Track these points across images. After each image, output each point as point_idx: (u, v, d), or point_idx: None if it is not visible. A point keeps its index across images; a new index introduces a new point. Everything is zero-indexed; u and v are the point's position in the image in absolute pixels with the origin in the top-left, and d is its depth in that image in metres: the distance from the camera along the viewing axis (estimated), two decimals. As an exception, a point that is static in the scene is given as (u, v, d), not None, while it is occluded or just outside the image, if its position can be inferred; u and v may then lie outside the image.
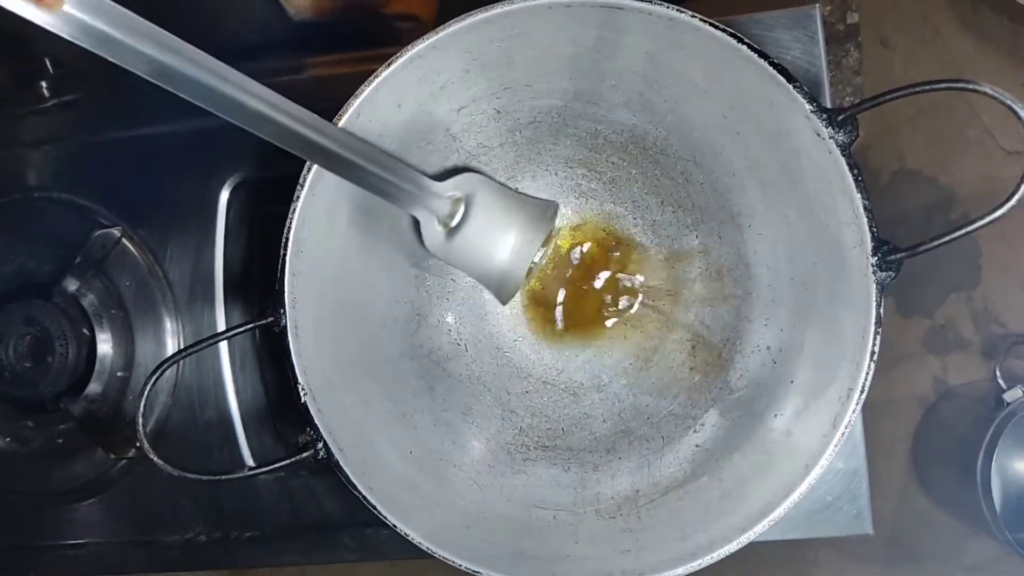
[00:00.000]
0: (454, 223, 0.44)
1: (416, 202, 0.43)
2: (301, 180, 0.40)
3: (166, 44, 0.32)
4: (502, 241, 0.46)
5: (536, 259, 0.48)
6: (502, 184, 0.47)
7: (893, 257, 0.38)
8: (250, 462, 0.51)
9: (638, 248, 0.49)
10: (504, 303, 0.48)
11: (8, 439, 0.53)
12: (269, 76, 0.53)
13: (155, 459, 0.39)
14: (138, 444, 0.51)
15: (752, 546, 0.40)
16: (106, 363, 0.52)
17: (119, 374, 0.52)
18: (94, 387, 0.51)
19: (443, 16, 0.61)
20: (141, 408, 0.39)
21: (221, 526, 0.52)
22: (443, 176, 0.45)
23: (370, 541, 0.51)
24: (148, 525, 0.52)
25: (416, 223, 0.44)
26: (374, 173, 0.40)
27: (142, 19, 0.31)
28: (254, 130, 0.36)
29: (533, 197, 0.48)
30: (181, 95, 0.34)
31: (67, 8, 0.29)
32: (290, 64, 0.54)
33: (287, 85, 0.52)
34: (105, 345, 0.52)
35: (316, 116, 0.37)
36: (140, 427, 0.39)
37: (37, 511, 0.54)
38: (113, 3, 0.30)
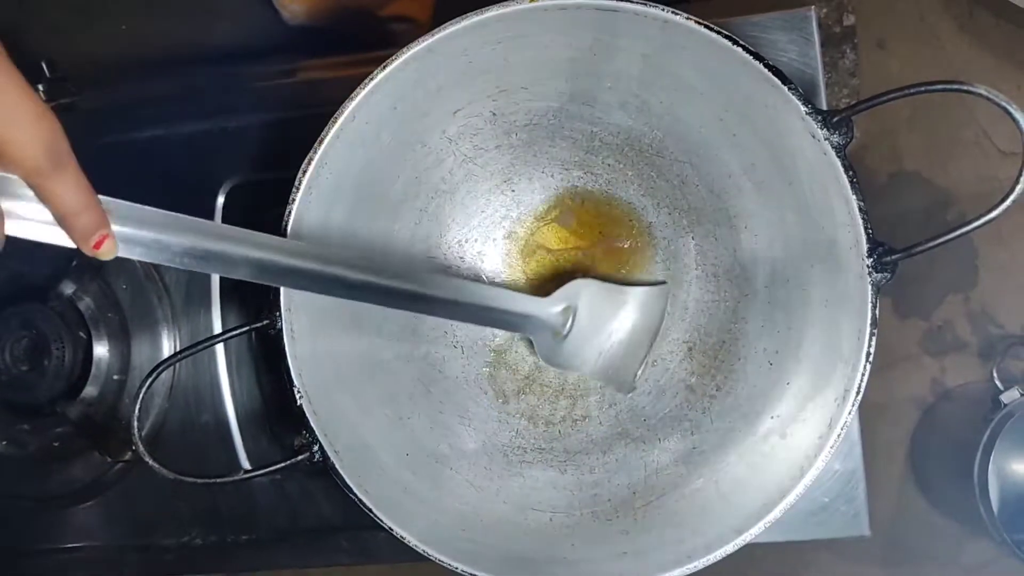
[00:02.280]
0: (566, 330, 0.45)
1: (533, 326, 0.44)
2: (296, 183, 0.40)
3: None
4: (616, 335, 0.46)
5: (652, 343, 0.47)
6: (607, 282, 0.47)
7: (888, 259, 0.38)
8: (246, 465, 0.50)
9: (634, 250, 0.49)
10: (626, 393, 0.47)
11: (5, 443, 0.53)
12: (265, 79, 0.54)
13: (151, 462, 0.39)
14: (134, 447, 0.51)
15: (749, 548, 0.40)
16: (102, 366, 0.52)
17: (115, 377, 0.52)
18: (90, 390, 0.51)
19: (439, 18, 0.61)
20: (136, 411, 0.39)
21: (217, 529, 0.52)
22: (547, 288, 0.46)
23: (366, 544, 0.51)
24: (144, 528, 0.52)
25: (538, 346, 0.45)
26: (489, 309, 0.41)
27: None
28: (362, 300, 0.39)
29: (641, 284, 0.48)
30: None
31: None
32: (286, 67, 0.54)
33: (283, 88, 0.53)
34: (101, 348, 0.52)
35: (439, 275, 0.40)
36: (136, 430, 0.39)
37: (33, 515, 0.54)
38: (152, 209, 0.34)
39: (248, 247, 0.35)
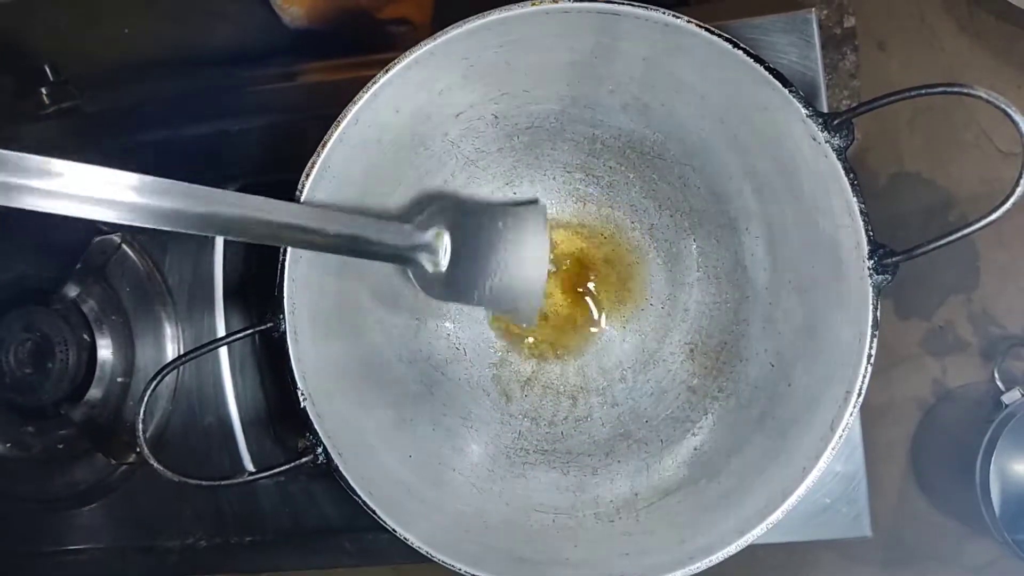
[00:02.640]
0: (444, 260, 0.42)
1: (404, 255, 0.41)
2: (300, 186, 0.40)
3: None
4: (501, 261, 0.43)
5: (544, 269, 0.45)
6: (473, 199, 0.45)
7: (889, 260, 0.38)
8: (250, 467, 0.51)
9: (636, 252, 0.49)
10: (531, 325, 0.45)
11: (9, 445, 0.53)
12: (267, 82, 0.54)
13: (155, 465, 0.39)
14: (138, 450, 0.51)
15: (751, 548, 0.40)
16: (106, 369, 0.52)
17: (119, 379, 0.52)
18: (94, 392, 0.51)
19: (437, 20, 0.61)
20: (141, 414, 0.39)
21: (221, 531, 0.52)
22: (411, 213, 0.43)
23: (370, 546, 0.51)
24: (148, 530, 0.52)
25: (408, 274, 0.42)
26: (343, 235, 0.38)
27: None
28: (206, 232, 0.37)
29: (512, 204, 0.46)
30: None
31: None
32: (286, 71, 0.54)
33: (285, 91, 0.53)
34: (105, 351, 0.52)
35: (273, 200, 0.37)
36: (140, 433, 0.39)
37: (38, 517, 0.54)
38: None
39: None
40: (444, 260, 0.42)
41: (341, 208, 0.40)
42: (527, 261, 0.44)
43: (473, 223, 0.43)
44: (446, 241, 0.43)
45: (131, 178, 0.34)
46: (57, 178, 0.31)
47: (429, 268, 0.42)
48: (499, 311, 0.45)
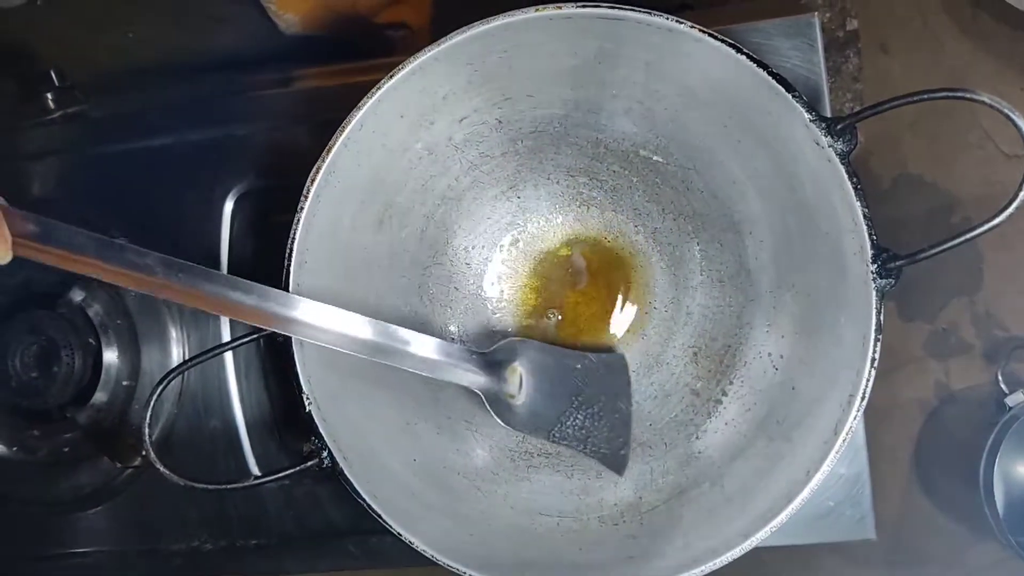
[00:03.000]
0: (519, 394, 0.45)
1: (473, 382, 0.44)
2: (305, 191, 0.40)
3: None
4: (583, 405, 0.45)
5: (628, 420, 0.47)
6: (546, 344, 0.47)
7: (893, 264, 0.38)
8: (255, 471, 0.51)
9: (640, 255, 0.49)
10: (619, 474, 0.46)
11: (14, 448, 0.53)
12: (270, 87, 0.54)
13: (161, 469, 0.39)
14: (144, 454, 0.51)
15: (755, 552, 0.40)
16: (112, 373, 0.52)
17: (124, 383, 0.52)
18: (100, 396, 0.52)
19: (435, 23, 0.61)
20: (147, 418, 0.39)
21: (226, 534, 0.52)
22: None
23: (374, 549, 0.51)
24: (153, 533, 0.53)
25: (488, 404, 0.44)
26: (427, 360, 0.42)
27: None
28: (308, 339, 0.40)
29: (593, 351, 0.48)
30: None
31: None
32: (282, 76, 0.54)
33: (287, 96, 0.53)
34: (111, 355, 0.52)
35: (387, 325, 0.41)
36: (146, 437, 0.39)
37: (42, 520, 0.54)
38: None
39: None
40: (519, 394, 0.45)
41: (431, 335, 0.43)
42: (610, 408, 0.46)
43: (546, 360, 0.46)
44: (520, 376, 0.45)
45: (362, 321, 0.40)
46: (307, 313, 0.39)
47: (502, 398, 0.44)
48: (581, 450, 0.46)
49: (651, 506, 0.45)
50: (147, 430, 0.39)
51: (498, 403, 0.44)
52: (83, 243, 0.37)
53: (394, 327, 0.41)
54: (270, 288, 0.39)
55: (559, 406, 0.45)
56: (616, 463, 0.45)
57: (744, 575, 0.47)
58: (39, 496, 0.54)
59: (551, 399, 0.45)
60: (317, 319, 0.40)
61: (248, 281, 0.39)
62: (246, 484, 0.40)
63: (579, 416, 0.45)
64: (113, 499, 0.53)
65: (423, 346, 0.42)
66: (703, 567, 0.39)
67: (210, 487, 0.40)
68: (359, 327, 0.40)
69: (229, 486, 0.40)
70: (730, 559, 0.39)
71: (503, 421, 0.45)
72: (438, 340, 0.43)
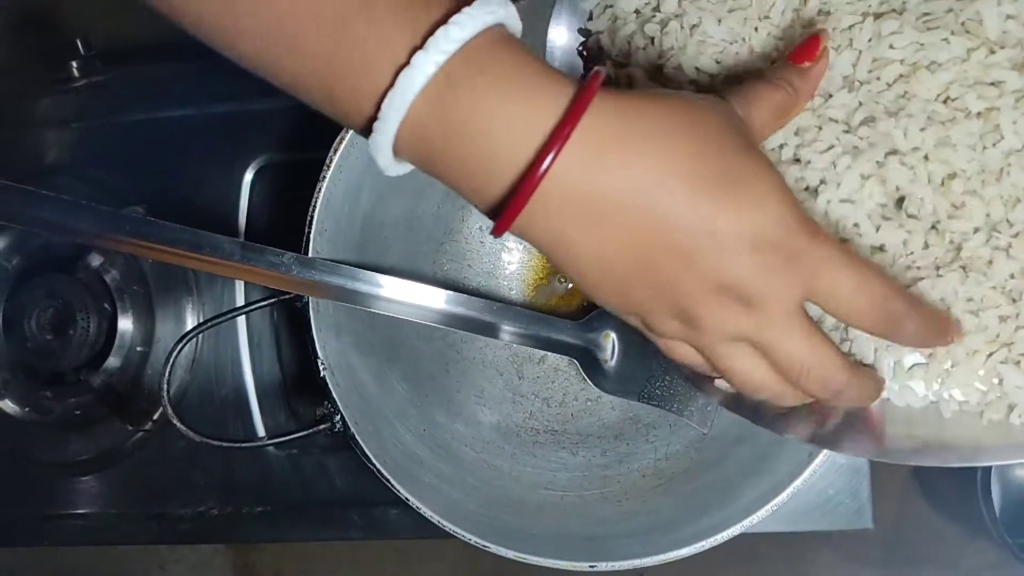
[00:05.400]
0: (612, 358, 0.46)
1: (576, 350, 0.45)
2: (328, 160, 0.41)
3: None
4: (666, 366, 0.45)
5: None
6: None
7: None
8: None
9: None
10: (705, 430, 0.46)
11: (27, 408, 0.54)
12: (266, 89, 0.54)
13: (177, 424, 0.40)
14: (155, 418, 0.52)
15: (750, 543, 0.40)
16: (126, 338, 0.53)
17: (138, 349, 0.53)
18: (113, 361, 0.52)
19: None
20: (167, 375, 0.40)
21: (232, 500, 0.53)
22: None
23: (377, 520, 0.51)
24: (161, 497, 0.53)
25: (583, 369, 0.46)
26: (530, 336, 0.44)
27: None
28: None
29: None
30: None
31: None
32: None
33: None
34: (126, 320, 0.53)
35: (490, 302, 0.43)
36: (165, 393, 0.40)
37: (52, 480, 0.55)
38: None
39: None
40: (612, 358, 0.46)
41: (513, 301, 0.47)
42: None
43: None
44: (614, 341, 0.46)
45: (439, 293, 0.41)
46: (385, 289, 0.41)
47: (598, 363, 0.46)
48: (668, 410, 0.46)
49: (654, 484, 0.45)
50: (166, 386, 0.40)
51: (593, 368, 0.45)
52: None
53: (498, 304, 0.43)
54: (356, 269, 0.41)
55: (647, 369, 0.46)
56: (702, 419, 0.46)
57: (740, 567, 0.48)
58: (50, 457, 0.55)
59: (640, 362, 0.46)
60: (424, 299, 0.41)
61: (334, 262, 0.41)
62: (258, 443, 0.41)
63: (666, 378, 0.45)
64: (122, 462, 0.54)
65: (524, 319, 0.43)
66: (704, 543, 0.40)
67: (224, 444, 0.40)
68: (463, 304, 0.42)
69: (243, 444, 0.41)
70: (731, 535, 0.40)
71: (596, 385, 0.46)
72: (539, 313, 0.44)
